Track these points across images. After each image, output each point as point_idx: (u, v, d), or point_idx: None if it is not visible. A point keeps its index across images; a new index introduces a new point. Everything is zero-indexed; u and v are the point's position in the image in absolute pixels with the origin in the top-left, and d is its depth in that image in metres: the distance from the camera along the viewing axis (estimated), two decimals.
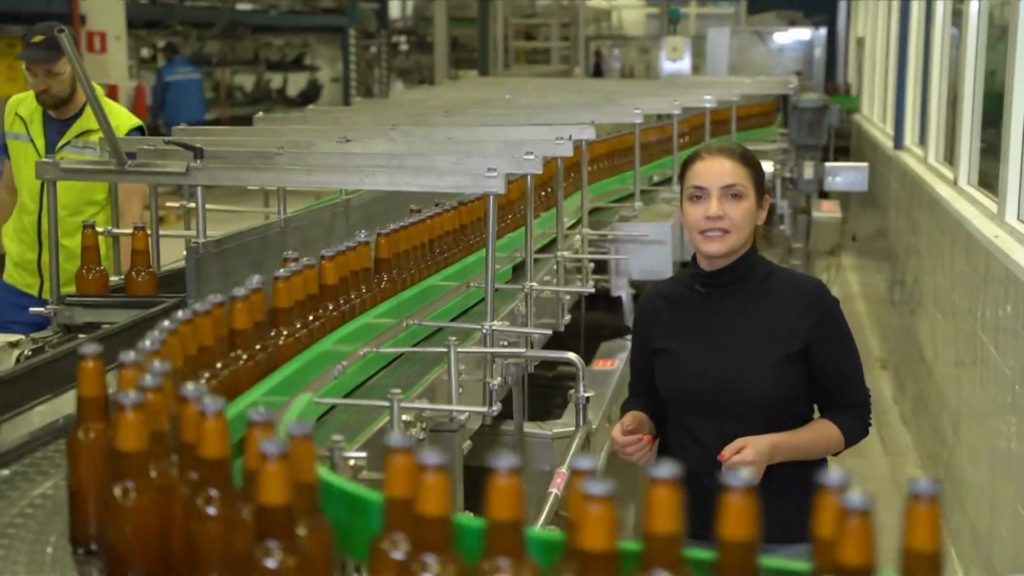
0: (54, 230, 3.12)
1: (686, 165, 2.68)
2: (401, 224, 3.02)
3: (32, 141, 4.37)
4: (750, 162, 2.64)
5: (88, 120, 4.32)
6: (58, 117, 4.39)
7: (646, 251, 4.70)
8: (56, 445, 2.11)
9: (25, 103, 4.46)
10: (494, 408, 2.88)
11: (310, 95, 19.38)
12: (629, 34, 23.26)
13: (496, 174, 2.79)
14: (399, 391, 2.25)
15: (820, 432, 2.64)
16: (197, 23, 17.11)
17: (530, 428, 3.44)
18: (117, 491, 1.46)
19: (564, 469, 2.90)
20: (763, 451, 2.51)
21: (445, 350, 2.58)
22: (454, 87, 7.62)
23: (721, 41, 11.39)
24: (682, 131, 6.15)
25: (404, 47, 22.32)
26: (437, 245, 3.20)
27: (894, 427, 7.14)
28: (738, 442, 2.52)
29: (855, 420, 2.66)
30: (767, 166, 6.51)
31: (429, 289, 3.04)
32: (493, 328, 2.86)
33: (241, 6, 19.24)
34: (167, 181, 2.84)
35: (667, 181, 5.79)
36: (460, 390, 2.83)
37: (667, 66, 12.25)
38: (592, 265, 4.26)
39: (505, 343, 3.21)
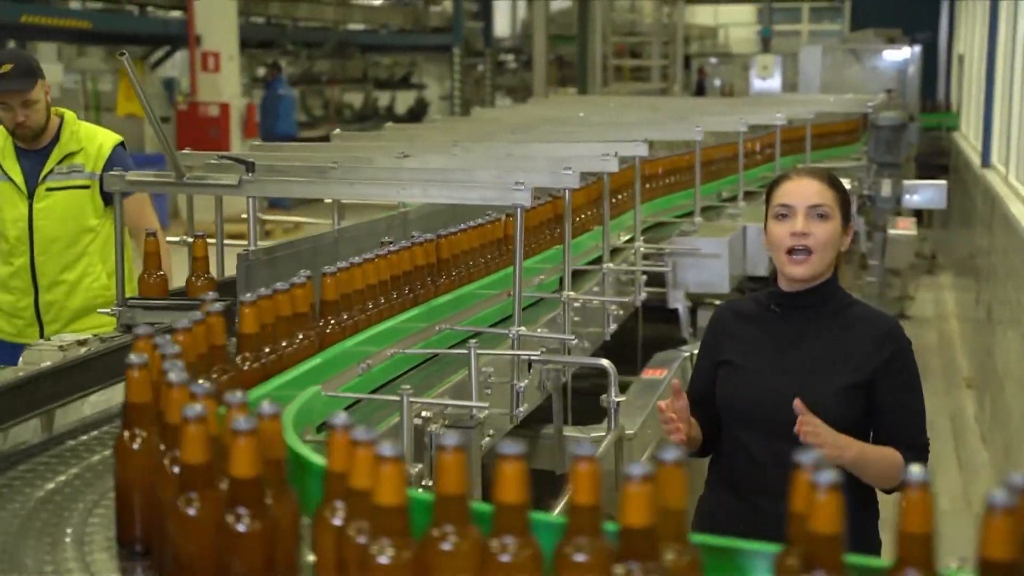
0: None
1: (773, 185, 2.72)
2: (442, 233, 3.21)
3: (10, 179, 4.11)
4: (837, 186, 2.69)
5: (68, 143, 4.14)
6: (33, 147, 4.12)
7: (702, 265, 4.80)
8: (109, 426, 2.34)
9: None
10: (520, 409, 3.04)
11: (417, 113, 19.78)
12: (734, 52, 23.26)
13: (523, 187, 2.95)
14: (408, 387, 2.42)
15: (888, 456, 2.60)
16: (308, 43, 17.64)
17: (569, 431, 3.59)
18: (182, 503, 1.52)
19: None
20: (837, 438, 2.48)
21: (466, 352, 2.74)
22: (540, 105, 7.82)
23: (814, 59, 11.40)
24: (757, 148, 6.26)
25: (512, 65, 22.65)
26: (480, 253, 3.37)
27: (972, 445, 7.10)
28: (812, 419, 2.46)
29: (914, 460, 2.58)
30: (843, 182, 6.56)
31: (465, 295, 3.22)
32: (519, 333, 3.01)
33: (353, 26, 19.77)
34: (221, 192, 3.07)
35: (733, 199, 5.88)
36: (488, 391, 3.02)
37: (757, 84, 12.28)
38: (645, 277, 4.38)
39: (543, 350, 3.38)
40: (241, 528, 1.46)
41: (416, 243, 3.00)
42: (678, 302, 4.79)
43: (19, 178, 4.11)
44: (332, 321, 2.60)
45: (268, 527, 1.48)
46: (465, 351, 2.74)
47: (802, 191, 2.64)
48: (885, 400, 2.63)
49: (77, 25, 13.29)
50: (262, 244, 3.66)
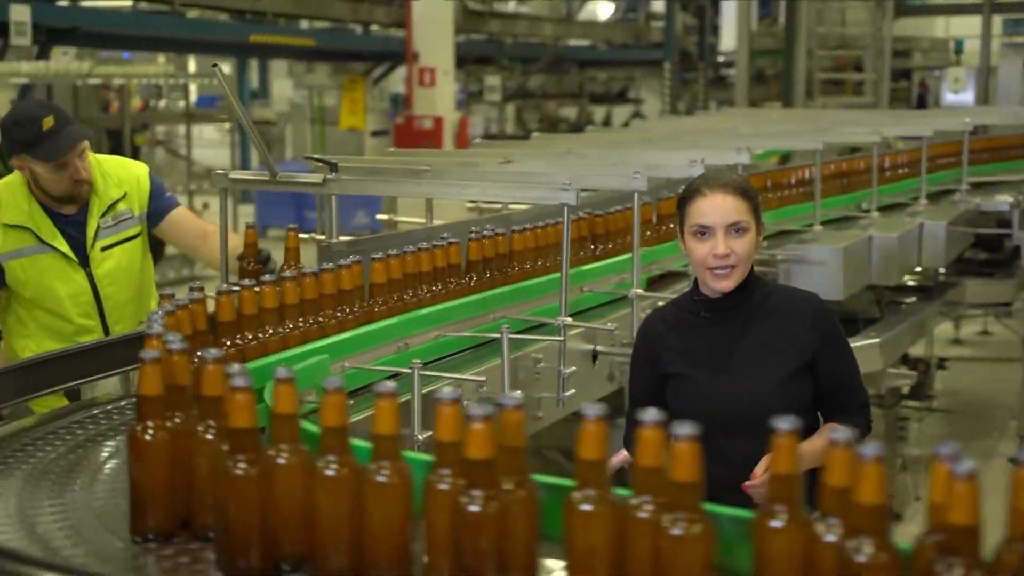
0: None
1: (686, 200, 2.75)
2: (520, 228, 3.52)
3: (54, 249, 3.55)
4: (749, 194, 2.73)
5: (108, 190, 3.64)
6: (64, 207, 3.59)
7: (815, 272, 4.90)
8: None
9: (8, 210, 3.54)
10: (566, 394, 3.28)
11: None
12: (966, 64, 22.43)
13: (570, 188, 3.20)
14: (419, 361, 2.71)
15: (823, 440, 2.78)
16: (524, 58, 18.17)
17: None
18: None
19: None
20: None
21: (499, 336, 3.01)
22: (708, 117, 7.97)
23: (1013, 72, 11.04)
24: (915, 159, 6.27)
25: (732, 80, 22.63)
26: (547, 252, 3.64)
27: None
28: (764, 461, 2.58)
29: (859, 420, 2.79)
30: (1004, 197, 6.46)
31: (530, 287, 3.49)
32: (565, 322, 3.25)
33: (573, 42, 20.21)
34: (306, 190, 3.44)
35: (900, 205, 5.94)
36: (537, 375, 3.29)
37: (949, 97, 11.95)
38: None
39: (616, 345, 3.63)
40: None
41: (471, 239, 3.30)
42: None
43: (64, 246, 3.56)
44: (379, 300, 2.95)
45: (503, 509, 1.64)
46: (499, 335, 3.02)
47: (718, 209, 2.66)
48: (827, 374, 2.77)
49: (302, 43, 14.19)
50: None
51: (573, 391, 3.29)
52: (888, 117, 7.60)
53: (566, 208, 3.21)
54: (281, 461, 1.70)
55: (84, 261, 3.60)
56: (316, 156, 3.41)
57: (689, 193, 2.76)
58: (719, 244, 2.67)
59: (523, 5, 19.94)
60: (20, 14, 9.91)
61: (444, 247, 3.22)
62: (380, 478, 1.68)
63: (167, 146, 15.87)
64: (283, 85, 16.91)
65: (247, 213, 14.71)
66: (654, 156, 4.25)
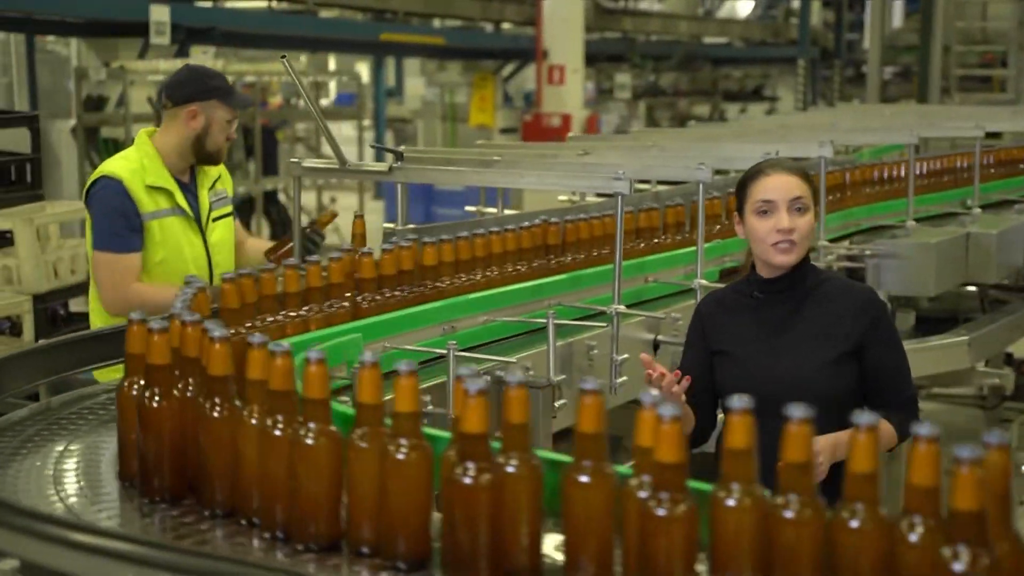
0: None
1: (748, 180, 2.85)
2: (579, 217, 3.57)
3: (184, 212, 3.72)
4: (809, 178, 2.84)
5: (211, 169, 3.84)
6: (185, 174, 3.79)
7: (906, 267, 4.82)
8: None
9: (150, 173, 3.68)
10: (617, 381, 3.31)
11: None
12: None
13: (622, 177, 3.23)
14: (455, 342, 2.78)
15: (886, 429, 2.72)
16: (656, 56, 18.12)
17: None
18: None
19: None
20: (826, 447, 2.61)
21: (544, 322, 3.06)
22: (815, 113, 7.86)
23: None
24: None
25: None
26: (604, 242, 3.68)
27: None
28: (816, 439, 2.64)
29: (906, 416, 2.75)
30: None
31: (587, 275, 3.54)
32: (617, 310, 3.29)
33: (709, 39, 20.07)
34: (373, 178, 3.55)
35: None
36: (590, 362, 3.34)
37: None
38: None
39: (675, 334, 3.65)
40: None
41: (523, 227, 3.36)
42: None
43: (190, 211, 3.74)
44: (426, 284, 3.04)
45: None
46: (543, 320, 3.07)
47: (782, 186, 2.76)
48: (873, 365, 2.78)
49: (431, 42, 14.42)
50: None
51: (625, 378, 3.33)
52: (1006, 113, 7.39)
53: (619, 197, 3.25)
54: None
55: (201, 228, 3.78)
56: (384, 147, 3.51)
57: (751, 175, 2.86)
58: (783, 219, 2.76)
59: (657, 3, 19.89)
60: (160, 14, 10.32)
61: (499, 234, 3.29)
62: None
63: (306, 143, 16.30)
64: (416, 84, 17.17)
65: (376, 209, 15.02)
66: (731, 149, 4.24)
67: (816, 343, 2.80)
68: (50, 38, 13.25)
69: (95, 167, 10.19)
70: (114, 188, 3.60)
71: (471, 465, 1.71)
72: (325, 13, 13.15)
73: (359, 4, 12.82)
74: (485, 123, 15.87)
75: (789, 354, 2.80)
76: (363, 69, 19.13)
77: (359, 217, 3.59)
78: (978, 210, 5.49)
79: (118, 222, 3.58)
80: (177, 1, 10.38)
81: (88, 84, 10.35)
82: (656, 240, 3.96)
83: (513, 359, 2.90)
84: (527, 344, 3.24)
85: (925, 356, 4.75)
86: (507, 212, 4.07)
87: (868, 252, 4.75)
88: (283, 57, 3.33)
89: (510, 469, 1.69)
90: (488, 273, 3.23)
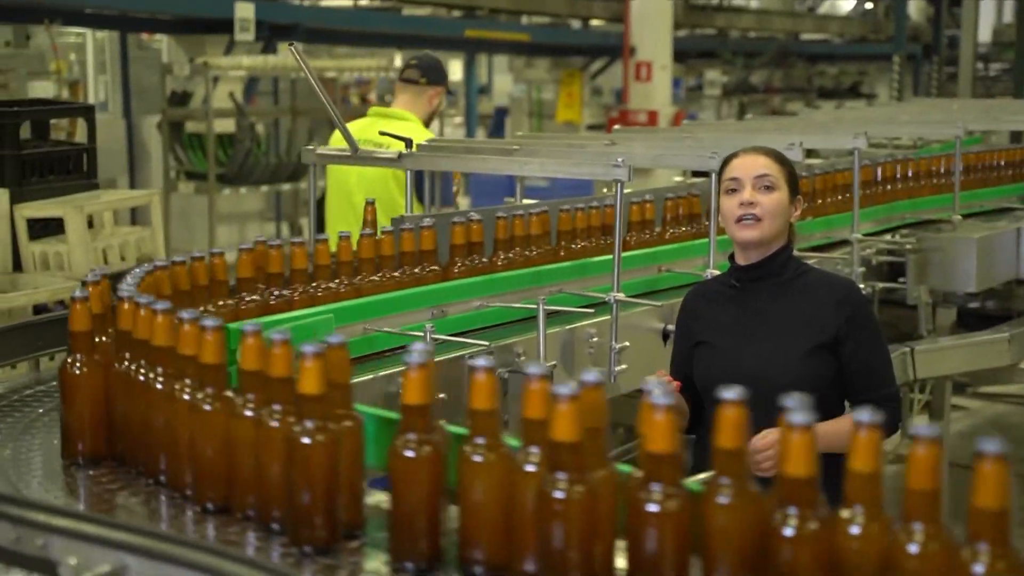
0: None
1: (723, 164, 2.90)
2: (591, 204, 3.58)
3: None
4: (783, 161, 2.85)
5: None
6: None
7: (948, 263, 4.72)
8: None
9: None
10: (616, 369, 3.31)
11: None
12: None
13: (622, 164, 3.23)
14: (431, 325, 2.81)
15: (848, 424, 2.71)
16: (748, 53, 17.91)
17: None
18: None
19: None
20: (774, 441, 2.52)
21: (534, 307, 3.07)
22: (882, 107, 7.71)
23: None
24: None
25: (981, 73, 21.58)
26: (604, 232, 3.67)
27: None
28: (764, 432, 2.56)
29: (885, 414, 2.68)
30: None
31: (588, 264, 3.54)
32: (616, 298, 3.28)
33: (805, 36, 19.77)
34: (383, 165, 3.60)
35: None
36: (591, 351, 3.34)
37: None
38: (862, 269, 4.39)
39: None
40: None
41: (531, 213, 3.37)
42: (915, 299, 4.73)
43: None
44: (414, 267, 3.07)
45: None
46: (533, 306, 3.08)
47: (748, 165, 2.80)
48: (851, 358, 2.75)
49: (517, 38, 14.46)
50: None
51: (624, 366, 3.32)
52: None
53: (619, 184, 3.25)
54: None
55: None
56: (392, 133, 3.56)
57: (727, 158, 2.91)
58: (745, 193, 2.78)
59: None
60: (245, 11, 10.52)
61: (505, 220, 3.31)
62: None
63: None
64: (504, 80, 17.24)
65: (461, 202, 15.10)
66: (756, 140, 4.19)
67: (791, 332, 2.78)
68: (146, 36, 13.58)
69: (179, 161, 10.51)
70: None
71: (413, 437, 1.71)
72: (412, 11, 13.26)
73: (447, 1, 12.91)
74: (572, 119, 15.86)
75: (763, 343, 2.79)
76: (455, 67, 19.27)
77: (370, 204, 3.63)
78: None
79: None
80: None
81: (174, 80, 10.59)
82: (673, 230, 3.94)
83: (487, 343, 2.91)
84: (522, 330, 3.25)
85: (965, 352, 4.66)
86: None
87: (908, 246, 4.66)
88: (291, 44, 3.39)
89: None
90: (485, 260, 3.25)
